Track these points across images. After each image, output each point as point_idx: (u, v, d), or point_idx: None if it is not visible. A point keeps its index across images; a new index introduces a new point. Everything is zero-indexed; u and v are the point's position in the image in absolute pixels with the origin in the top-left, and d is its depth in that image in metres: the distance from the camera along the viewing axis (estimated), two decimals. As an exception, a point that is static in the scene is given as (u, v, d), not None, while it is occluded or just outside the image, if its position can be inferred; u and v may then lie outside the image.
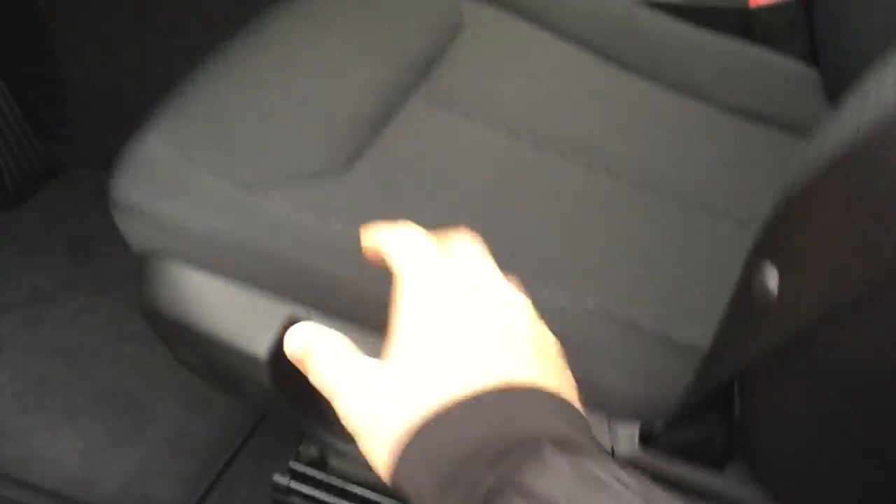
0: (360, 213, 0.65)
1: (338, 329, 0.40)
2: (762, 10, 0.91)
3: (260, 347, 0.61)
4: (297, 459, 0.75)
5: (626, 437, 0.58)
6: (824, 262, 0.41)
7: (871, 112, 0.38)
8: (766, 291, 0.42)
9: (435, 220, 0.66)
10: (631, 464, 0.57)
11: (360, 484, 0.73)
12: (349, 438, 0.36)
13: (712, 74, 0.88)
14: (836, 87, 0.87)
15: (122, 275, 1.06)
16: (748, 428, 0.55)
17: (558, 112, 0.82)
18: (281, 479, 0.75)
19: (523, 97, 0.82)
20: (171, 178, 0.66)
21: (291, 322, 0.61)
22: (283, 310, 0.62)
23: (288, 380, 0.62)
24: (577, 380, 0.59)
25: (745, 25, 0.93)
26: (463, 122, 0.77)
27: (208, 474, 0.83)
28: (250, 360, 0.62)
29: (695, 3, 0.97)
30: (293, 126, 0.71)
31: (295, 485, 0.74)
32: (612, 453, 0.58)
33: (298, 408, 0.66)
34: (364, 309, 0.60)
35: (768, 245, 0.44)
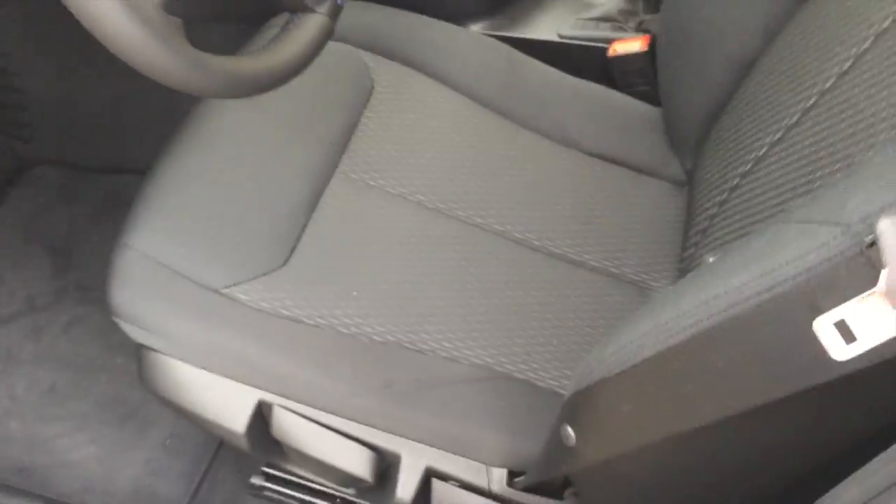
0: (301, 304, 0.86)
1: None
2: (618, 58, 1.09)
3: (239, 426, 0.84)
4: (268, 465, 0.99)
5: (497, 479, 0.82)
6: (608, 433, 0.64)
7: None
8: (568, 442, 0.65)
9: (363, 301, 0.88)
10: (500, 498, 0.83)
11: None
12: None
13: (579, 120, 1.07)
14: (675, 126, 1.07)
15: (103, 285, 1.25)
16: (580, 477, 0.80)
17: (461, 174, 1.00)
18: (256, 480, 0.99)
19: (431, 162, 1.00)
20: (153, 289, 0.86)
21: (261, 406, 0.84)
22: (254, 396, 0.84)
23: (260, 444, 0.85)
24: (466, 439, 0.83)
25: (607, 67, 1.11)
26: (381, 200, 0.96)
27: (199, 470, 1.07)
28: (231, 433, 0.84)
29: (566, 41, 1.14)
30: (241, 231, 0.89)
31: (268, 484, 0.99)
32: (490, 491, 0.82)
33: (268, 458, 0.89)
34: (315, 394, 0.83)
35: (569, 413, 0.66)
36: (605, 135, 1.07)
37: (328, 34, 0.81)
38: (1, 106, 1.38)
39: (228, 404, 0.84)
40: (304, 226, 0.92)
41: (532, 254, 0.96)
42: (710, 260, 0.59)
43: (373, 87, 1.04)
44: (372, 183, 0.97)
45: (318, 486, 0.97)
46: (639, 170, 1.06)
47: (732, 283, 0.52)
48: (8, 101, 1.39)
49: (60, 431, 1.11)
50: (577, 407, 0.66)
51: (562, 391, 0.87)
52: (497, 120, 1.06)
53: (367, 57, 1.06)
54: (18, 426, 1.12)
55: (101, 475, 1.07)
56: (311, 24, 0.79)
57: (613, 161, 1.06)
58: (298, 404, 0.83)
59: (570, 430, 0.66)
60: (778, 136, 0.80)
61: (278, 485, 0.99)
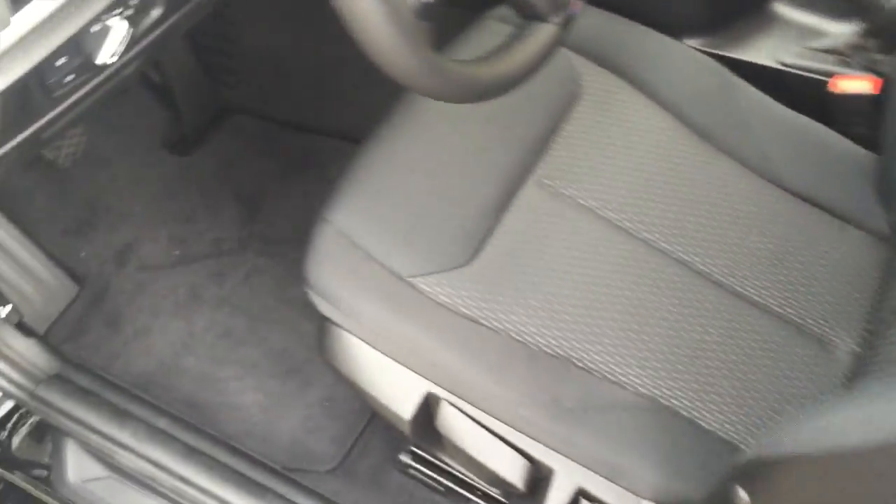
0: (480, 305, 0.88)
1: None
2: (842, 97, 1.03)
3: (405, 413, 0.87)
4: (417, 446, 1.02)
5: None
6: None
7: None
8: (741, 504, 0.64)
9: (541, 311, 0.88)
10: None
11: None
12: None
13: (785, 155, 1.03)
14: (892, 179, 1.01)
15: (285, 240, 1.32)
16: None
17: (654, 195, 0.98)
18: (404, 458, 1.03)
19: (626, 179, 0.99)
20: (346, 268, 0.89)
21: (429, 397, 0.86)
22: (424, 386, 0.86)
23: (420, 432, 0.88)
24: (622, 467, 0.83)
25: (825, 103, 1.06)
26: (570, 211, 0.96)
27: (351, 436, 1.12)
28: (397, 417, 0.88)
29: (786, 69, 1.09)
30: (434, 223, 0.92)
31: (415, 464, 1.03)
32: (640, 525, 0.82)
33: (423, 444, 0.92)
34: (484, 397, 0.85)
35: (746, 477, 0.65)
36: (812, 174, 1.02)
37: (558, 45, 0.81)
38: (213, 51, 1.45)
39: (399, 390, 0.87)
40: (493, 226, 0.94)
41: (714, 288, 0.94)
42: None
43: (579, 93, 1.04)
44: (564, 192, 0.97)
45: (462, 476, 1.00)
46: (841, 217, 1.01)
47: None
48: (220, 47, 1.47)
49: (231, 374, 1.19)
50: (755, 473, 0.64)
51: (726, 437, 0.86)
52: (700, 143, 1.03)
53: (578, 61, 1.06)
54: (194, 362, 1.20)
55: (263, 423, 1.13)
56: (543, 34, 0.80)
57: (815, 203, 1.01)
58: (465, 403, 0.85)
59: (742, 493, 0.65)
60: None
61: (424, 466, 1.02)
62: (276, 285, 1.26)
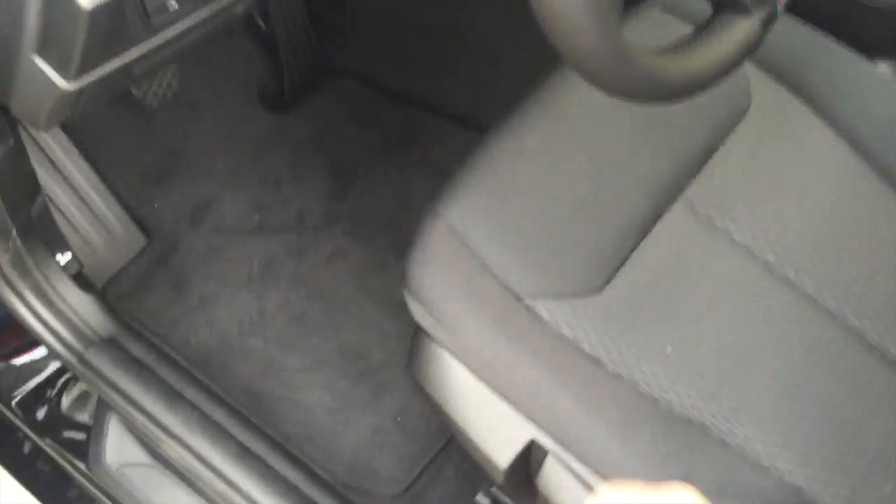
0: (607, 344, 0.74)
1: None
2: None
3: (501, 460, 0.73)
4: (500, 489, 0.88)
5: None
6: None
7: None
8: None
9: (670, 358, 0.74)
10: None
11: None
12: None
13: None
14: None
15: (376, 222, 1.19)
16: None
17: (824, 242, 0.83)
18: (482, 500, 0.89)
19: (793, 217, 0.83)
20: (455, 275, 0.76)
21: (531, 447, 0.72)
22: (528, 431, 0.72)
23: (514, 483, 0.74)
24: None
25: None
26: (720, 246, 0.81)
27: (424, 459, 0.98)
28: (489, 462, 0.74)
29: None
30: (564, 237, 0.77)
31: (494, 505, 0.89)
32: None
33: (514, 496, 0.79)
34: (601, 457, 0.71)
35: None
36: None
37: (758, 45, 0.66)
38: (325, 3, 1.33)
39: (498, 430, 0.73)
40: (630, 252, 0.79)
41: (886, 367, 0.78)
42: None
43: (748, 107, 0.88)
44: (718, 223, 0.82)
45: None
46: None
47: None
48: (331, 3, 1.34)
49: (298, 366, 1.06)
50: None
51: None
52: (882, 186, 0.86)
53: (750, 70, 0.90)
54: (259, 344, 1.08)
55: (326, 428, 1.01)
56: (743, 29, 0.64)
57: None
58: (576, 461, 0.71)
59: None
60: None
61: (505, 511, 0.88)
62: (360, 272, 1.13)
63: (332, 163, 1.25)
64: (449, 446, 0.99)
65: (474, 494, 0.90)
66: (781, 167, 0.86)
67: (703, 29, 0.65)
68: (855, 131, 0.88)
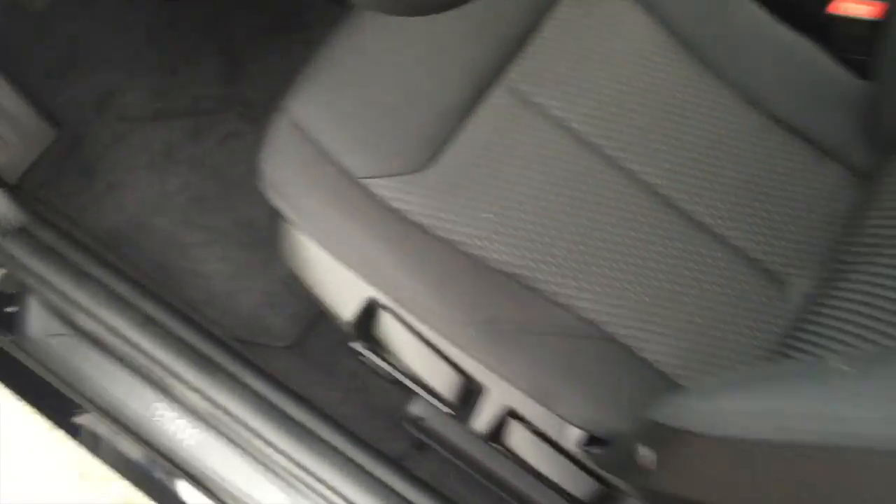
0: (431, 214, 0.87)
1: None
2: (839, 19, 0.96)
3: (347, 315, 0.88)
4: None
5: (572, 438, 0.84)
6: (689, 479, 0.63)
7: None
8: (645, 463, 0.66)
9: (491, 224, 0.87)
10: (569, 455, 0.85)
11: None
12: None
13: (774, 79, 0.97)
14: (882, 113, 0.96)
15: (264, 104, 1.28)
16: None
17: (629, 111, 0.94)
18: (354, 346, 1.05)
19: (602, 90, 0.94)
20: (298, 162, 0.88)
21: (371, 303, 0.87)
22: (367, 291, 0.87)
23: (362, 335, 0.89)
24: (552, 393, 0.85)
25: (825, 24, 0.99)
26: (535, 120, 0.92)
27: (309, 316, 1.13)
28: (339, 318, 0.89)
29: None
30: (395, 122, 0.89)
31: (365, 352, 1.05)
32: (560, 445, 0.85)
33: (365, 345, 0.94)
34: (423, 310, 0.85)
35: (650, 439, 0.65)
36: (799, 102, 0.97)
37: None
38: None
39: (342, 292, 0.88)
40: (454, 131, 0.91)
41: (675, 215, 0.92)
42: (844, 368, 0.54)
43: (563, -10, 0.97)
44: (534, 99, 0.94)
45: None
46: (821, 148, 0.97)
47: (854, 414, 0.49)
48: None
49: (199, 240, 1.19)
50: (658, 438, 0.65)
51: (663, 370, 0.87)
52: (686, 58, 0.97)
53: (569, -46, 0.99)
54: (164, 223, 1.21)
55: (225, 293, 1.15)
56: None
57: (797, 132, 0.97)
58: (406, 313, 0.86)
59: (645, 450, 0.66)
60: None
61: (374, 356, 1.04)
62: (252, 152, 1.24)
63: (224, 47, 1.34)
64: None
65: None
66: (594, 44, 0.97)
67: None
68: (663, 9, 0.98)
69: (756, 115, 0.97)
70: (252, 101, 1.29)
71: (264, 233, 1.20)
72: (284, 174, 0.88)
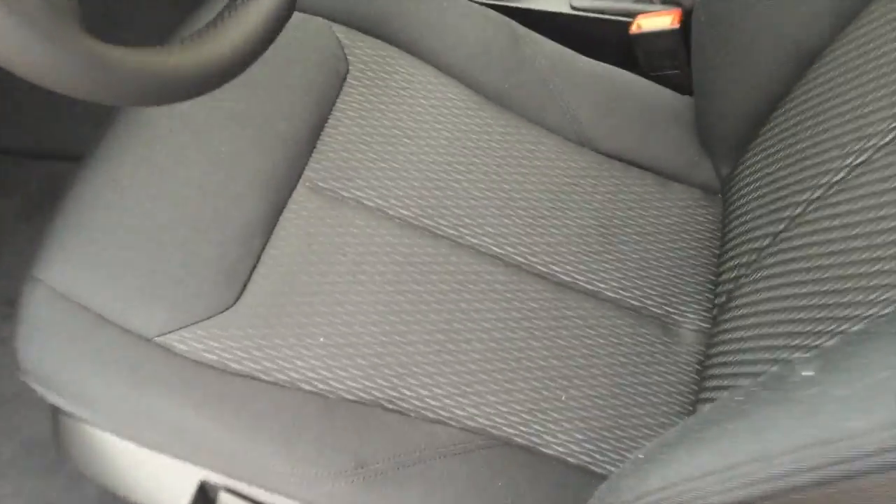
0: (255, 356, 0.70)
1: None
2: (642, 36, 0.90)
3: (176, 515, 0.68)
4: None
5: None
6: None
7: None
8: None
9: (328, 349, 0.71)
10: None
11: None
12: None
13: (594, 113, 0.89)
14: (710, 123, 0.89)
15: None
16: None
17: (453, 181, 0.82)
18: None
19: (417, 166, 0.82)
20: (69, 338, 0.68)
21: (204, 489, 0.67)
22: (195, 475, 0.67)
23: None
24: None
25: (629, 47, 0.93)
26: (352, 216, 0.79)
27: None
28: (168, 521, 0.68)
29: (580, 14, 0.96)
30: (183, 261, 0.72)
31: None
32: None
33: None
34: (271, 477, 0.67)
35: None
36: (626, 131, 0.89)
37: (290, 10, 0.62)
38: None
39: (163, 486, 0.68)
40: (260, 252, 0.75)
41: (536, 283, 0.79)
42: (805, 373, 0.42)
43: (348, 70, 0.86)
44: (345, 193, 0.80)
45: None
46: (665, 174, 0.89)
47: (852, 426, 0.36)
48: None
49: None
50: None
51: (571, 459, 0.72)
52: (496, 112, 0.88)
53: (340, 32, 0.88)
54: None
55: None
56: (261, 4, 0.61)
57: (635, 163, 0.88)
58: (249, 486, 0.67)
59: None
60: (863, 157, 0.62)
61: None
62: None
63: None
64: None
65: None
66: (395, 119, 0.85)
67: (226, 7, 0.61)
68: (456, 65, 0.89)
69: (588, 154, 0.87)
70: (15, 298, 1.07)
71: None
72: (53, 358, 0.68)
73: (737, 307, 0.77)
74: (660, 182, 0.88)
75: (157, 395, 0.67)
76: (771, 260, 0.71)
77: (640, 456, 0.49)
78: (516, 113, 0.88)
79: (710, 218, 0.87)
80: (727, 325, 0.77)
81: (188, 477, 0.67)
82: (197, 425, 0.66)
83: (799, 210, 0.69)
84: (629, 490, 0.47)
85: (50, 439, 0.97)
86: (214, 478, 0.67)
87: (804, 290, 0.67)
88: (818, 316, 0.65)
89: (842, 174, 0.64)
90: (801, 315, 0.66)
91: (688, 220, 0.86)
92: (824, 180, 0.65)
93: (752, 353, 0.71)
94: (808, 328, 0.65)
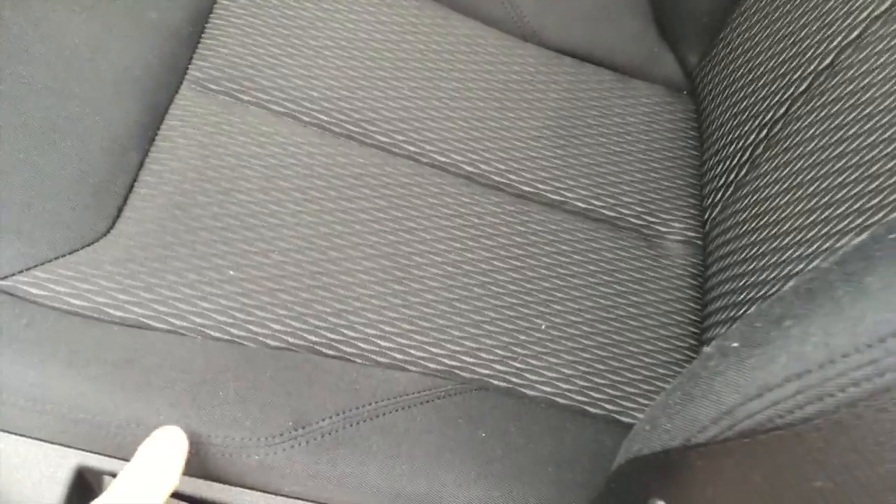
0: (143, 299, 0.52)
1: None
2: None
3: (47, 512, 0.48)
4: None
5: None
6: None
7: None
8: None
9: (236, 280, 0.54)
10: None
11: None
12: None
13: (536, 5, 0.75)
14: (672, 7, 0.77)
15: None
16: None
17: (381, 79, 0.67)
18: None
19: (336, 63, 0.66)
20: None
21: (83, 476, 0.49)
22: (70, 460, 0.49)
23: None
24: (429, 499, 0.52)
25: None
26: (257, 121, 0.61)
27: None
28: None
29: None
30: (34, 180, 0.53)
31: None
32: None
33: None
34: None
35: (660, 486, 0.35)
36: (575, 22, 0.75)
37: None
38: None
39: (26, 478, 0.48)
40: (138, 168, 0.57)
41: (493, 195, 0.64)
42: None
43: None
44: (244, 97, 0.63)
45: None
46: (623, 70, 0.76)
47: None
48: None
49: None
50: (669, 475, 0.35)
51: (561, 400, 0.57)
52: (421, 2, 0.72)
53: None
54: None
55: None
56: None
57: (588, 59, 0.75)
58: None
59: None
60: (855, 32, 0.50)
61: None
62: None
63: None
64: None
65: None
66: (296, 5, 0.68)
67: None
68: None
69: (533, 49, 0.73)
70: None
71: None
72: None
73: (734, 215, 0.64)
74: (618, 78, 0.75)
75: (5, 352, 0.48)
76: (765, 164, 0.59)
77: (694, 366, 0.35)
78: (445, 3, 0.73)
79: (681, 116, 0.74)
80: (726, 237, 0.64)
81: (60, 463, 0.48)
82: (66, 393, 0.48)
83: (802, 88, 0.56)
84: (683, 426, 0.33)
85: None
86: (95, 461, 0.48)
87: (811, 191, 0.55)
88: (835, 214, 0.53)
89: (832, 57, 0.52)
90: (813, 217, 0.54)
91: (656, 119, 0.74)
92: (814, 65, 0.53)
93: (759, 259, 0.59)
94: (824, 230, 0.53)
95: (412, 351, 0.56)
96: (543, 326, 0.59)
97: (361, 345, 0.55)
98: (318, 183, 0.60)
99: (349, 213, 0.60)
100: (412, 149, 0.65)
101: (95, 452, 0.48)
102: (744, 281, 0.60)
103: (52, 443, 0.48)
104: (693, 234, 0.68)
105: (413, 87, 0.67)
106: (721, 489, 0.32)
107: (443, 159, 0.65)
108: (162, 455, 0.45)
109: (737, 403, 0.30)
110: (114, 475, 0.48)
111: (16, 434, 0.48)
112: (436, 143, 0.65)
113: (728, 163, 0.66)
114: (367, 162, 0.63)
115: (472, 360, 0.57)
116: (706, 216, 0.69)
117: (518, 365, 0.57)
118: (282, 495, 0.50)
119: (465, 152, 0.66)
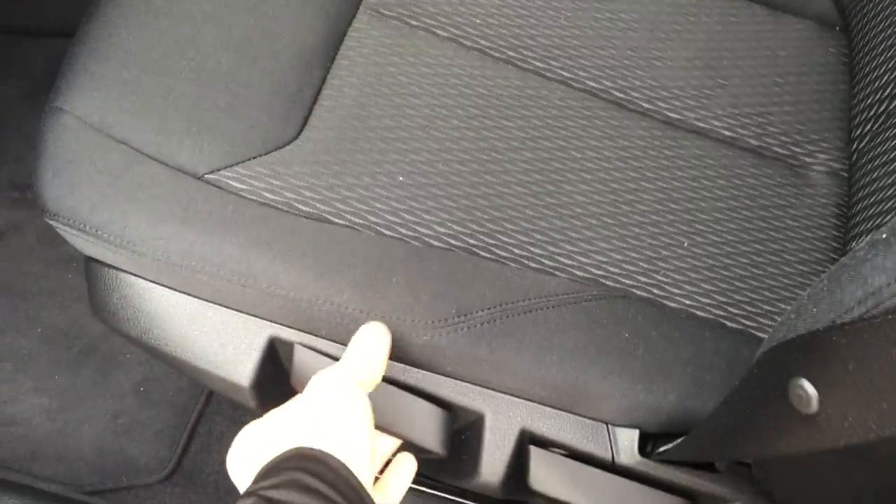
0: (326, 197, 0.58)
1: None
2: None
3: (242, 377, 0.56)
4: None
5: (626, 445, 0.56)
6: (871, 398, 0.37)
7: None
8: (805, 406, 0.39)
9: (405, 186, 0.60)
10: (631, 473, 0.57)
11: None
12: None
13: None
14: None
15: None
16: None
17: (537, 8, 0.71)
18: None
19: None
20: (103, 175, 0.57)
21: (274, 345, 0.56)
22: (263, 331, 0.56)
23: (273, 398, 0.58)
24: (576, 387, 0.57)
25: None
26: (425, 44, 0.67)
27: (185, 424, 0.80)
28: (231, 385, 0.57)
29: None
30: (234, 89, 0.60)
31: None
32: (613, 461, 0.57)
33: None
34: (351, 325, 0.56)
35: (804, 365, 0.39)
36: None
37: None
38: None
39: (225, 344, 0.57)
40: (321, 82, 0.63)
41: (641, 120, 0.68)
42: None
43: None
44: (413, 22, 0.68)
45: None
46: (774, 5, 0.77)
47: None
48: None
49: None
50: (813, 354, 0.39)
51: (700, 313, 0.61)
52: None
53: None
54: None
55: (54, 435, 0.80)
56: None
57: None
58: (330, 342, 0.56)
59: (808, 385, 0.39)
60: None
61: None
62: (46, 242, 0.91)
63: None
64: (213, 399, 0.82)
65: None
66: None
67: None
68: None
69: (685, -16, 0.76)
70: (27, 182, 0.95)
71: (90, 338, 0.86)
72: (86, 195, 0.56)
73: (883, 143, 0.66)
74: (769, 13, 0.76)
75: (211, 237, 0.55)
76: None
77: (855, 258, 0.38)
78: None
79: (833, 51, 0.75)
80: (874, 164, 0.66)
81: (256, 332, 0.56)
82: (265, 270, 0.55)
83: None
84: (829, 309, 0.36)
85: (75, 325, 0.87)
86: (286, 333, 0.56)
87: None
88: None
89: None
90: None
91: (806, 54, 0.75)
92: None
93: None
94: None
95: (561, 258, 0.61)
96: (686, 244, 0.63)
97: (515, 250, 0.60)
98: (479, 102, 0.65)
99: (507, 131, 0.65)
100: (566, 74, 0.69)
101: (287, 326, 0.56)
102: (891, 204, 0.62)
103: (251, 314, 0.56)
104: (838, 166, 0.70)
105: (568, 16, 0.71)
106: (864, 363, 0.35)
107: (594, 85, 0.69)
108: (373, 344, 0.52)
109: (884, 284, 0.34)
110: (303, 346, 0.55)
111: (221, 305, 0.56)
112: (588, 69, 0.69)
113: (880, 94, 0.67)
114: (524, 84, 0.67)
115: (616, 270, 0.61)
116: (853, 147, 0.70)
117: (660, 278, 0.62)
118: (442, 373, 0.56)
119: (616, 79, 0.69)
